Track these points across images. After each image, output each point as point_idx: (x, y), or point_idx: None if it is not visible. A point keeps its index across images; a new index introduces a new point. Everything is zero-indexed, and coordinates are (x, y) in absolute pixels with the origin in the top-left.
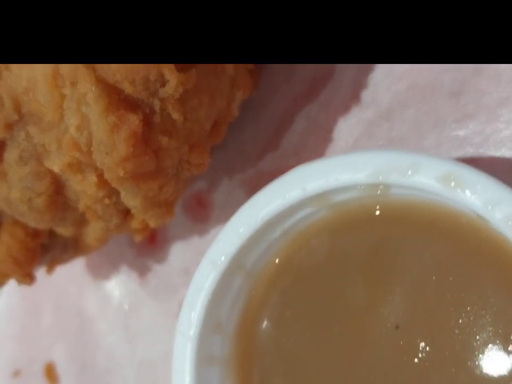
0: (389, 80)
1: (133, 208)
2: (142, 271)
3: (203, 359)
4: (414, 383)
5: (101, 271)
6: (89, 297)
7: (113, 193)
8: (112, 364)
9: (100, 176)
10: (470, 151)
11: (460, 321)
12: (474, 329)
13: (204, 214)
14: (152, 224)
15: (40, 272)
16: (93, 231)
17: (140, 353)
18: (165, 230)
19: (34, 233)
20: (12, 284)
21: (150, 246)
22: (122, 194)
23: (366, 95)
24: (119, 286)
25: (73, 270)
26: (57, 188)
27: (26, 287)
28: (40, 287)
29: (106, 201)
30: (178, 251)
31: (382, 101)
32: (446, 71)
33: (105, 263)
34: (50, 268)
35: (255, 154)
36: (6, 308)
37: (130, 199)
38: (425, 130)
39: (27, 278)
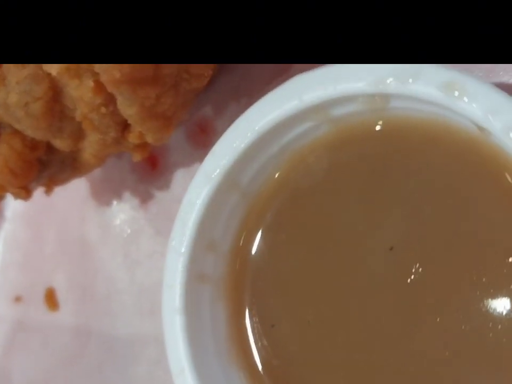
0: None
1: (129, 118)
2: (143, 198)
3: (194, 276)
4: (406, 304)
5: (103, 198)
6: (90, 224)
7: (110, 102)
8: (111, 289)
9: (97, 81)
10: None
11: (457, 241)
12: (472, 248)
13: (206, 140)
14: (150, 139)
15: (44, 200)
16: (90, 145)
17: (138, 279)
18: (167, 156)
19: (32, 145)
20: (17, 212)
21: (151, 172)
22: (119, 100)
23: None
24: (120, 212)
25: (75, 197)
26: (55, 95)
27: (30, 214)
28: (43, 214)
29: (103, 109)
30: (179, 178)
31: None
32: None
33: (107, 189)
34: (48, 188)
35: (262, 78)
36: (10, 235)
37: (126, 107)
38: None
39: (23, 192)
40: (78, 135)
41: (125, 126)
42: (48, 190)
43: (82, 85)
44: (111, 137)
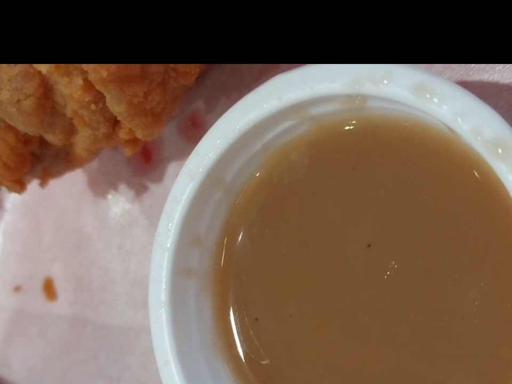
0: None
1: (118, 115)
2: (138, 191)
3: (180, 271)
4: (383, 300)
5: (99, 190)
6: (87, 215)
7: (99, 99)
8: (106, 280)
9: (86, 79)
10: (459, 72)
11: (431, 237)
12: (445, 244)
13: (197, 134)
14: (139, 135)
15: (42, 192)
16: (81, 140)
17: (132, 270)
18: (160, 150)
19: (25, 140)
20: (16, 203)
21: (145, 165)
22: (108, 98)
23: None
24: (115, 205)
25: (72, 189)
26: (46, 91)
27: (29, 205)
28: (42, 206)
29: (93, 106)
30: (172, 171)
31: None
32: None
33: (102, 181)
34: (43, 181)
35: (251, 74)
36: (10, 226)
37: (115, 105)
38: None
39: (17, 185)
40: (70, 130)
41: (115, 122)
42: (43, 183)
43: (71, 82)
44: (102, 133)
